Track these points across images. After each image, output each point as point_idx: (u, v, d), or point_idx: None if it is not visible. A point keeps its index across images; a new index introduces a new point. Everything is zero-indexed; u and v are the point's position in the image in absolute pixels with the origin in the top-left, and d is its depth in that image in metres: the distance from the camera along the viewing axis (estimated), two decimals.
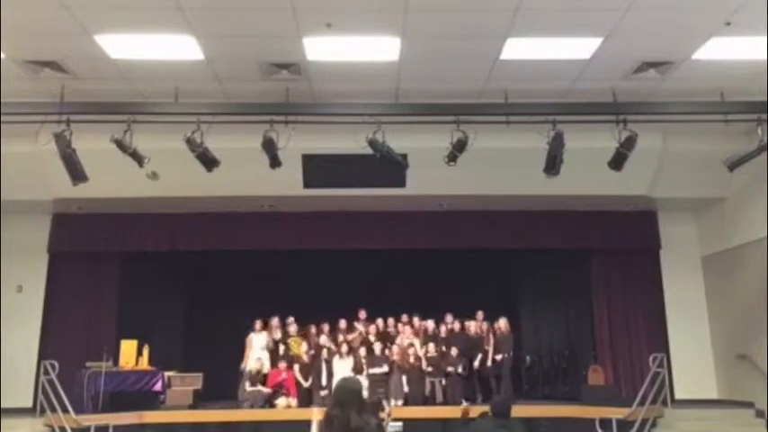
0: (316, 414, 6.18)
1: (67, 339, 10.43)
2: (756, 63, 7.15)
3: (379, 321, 10.62)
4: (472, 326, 10.41)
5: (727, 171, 7.78)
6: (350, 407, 3.02)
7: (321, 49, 6.92)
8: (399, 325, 10.56)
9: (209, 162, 7.59)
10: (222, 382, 10.51)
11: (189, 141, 7.34)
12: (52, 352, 9.89)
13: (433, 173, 8.41)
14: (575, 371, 10.95)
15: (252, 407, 9.38)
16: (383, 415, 7.30)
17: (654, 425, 8.81)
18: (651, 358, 9.46)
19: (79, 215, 10.52)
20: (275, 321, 10.43)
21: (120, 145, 7.27)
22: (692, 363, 10.73)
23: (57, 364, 9.02)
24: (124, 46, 6.83)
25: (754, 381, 9.48)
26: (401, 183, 9.18)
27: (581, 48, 6.99)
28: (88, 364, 9.32)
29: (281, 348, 10.09)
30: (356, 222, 10.82)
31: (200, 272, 11.67)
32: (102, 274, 10.94)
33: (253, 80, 7.63)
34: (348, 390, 3.13)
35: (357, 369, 9.72)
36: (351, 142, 7.33)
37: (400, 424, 7.28)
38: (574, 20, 6.37)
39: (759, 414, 9.13)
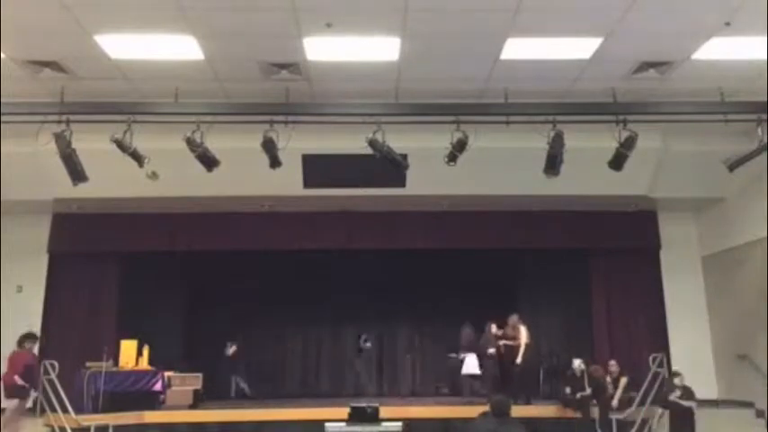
0: None
1: (67, 339, 10.43)
2: (756, 63, 7.15)
3: None
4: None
5: (727, 171, 7.77)
6: None
7: (321, 49, 6.91)
8: None
9: (209, 162, 7.58)
10: (222, 382, 10.53)
11: (189, 141, 7.34)
12: (52, 352, 9.88)
13: (433, 173, 8.38)
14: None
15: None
16: None
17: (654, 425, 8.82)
18: (651, 358, 9.46)
19: (79, 215, 10.51)
20: None
21: (120, 145, 7.26)
22: (692, 363, 10.69)
23: (57, 364, 9.00)
24: (124, 46, 6.83)
25: (754, 381, 9.48)
26: (401, 183, 9.17)
27: (581, 48, 6.99)
28: (88, 364, 9.33)
29: None
30: (356, 222, 10.82)
31: (200, 272, 11.66)
32: (103, 274, 10.96)
33: (253, 80, 7.62)
34: None
35: None
36: (351, 142, 7.34)
37: (400, 424, 7.28)
38: (574, 20, 6.37)
39: (759, 414, 9.13)
